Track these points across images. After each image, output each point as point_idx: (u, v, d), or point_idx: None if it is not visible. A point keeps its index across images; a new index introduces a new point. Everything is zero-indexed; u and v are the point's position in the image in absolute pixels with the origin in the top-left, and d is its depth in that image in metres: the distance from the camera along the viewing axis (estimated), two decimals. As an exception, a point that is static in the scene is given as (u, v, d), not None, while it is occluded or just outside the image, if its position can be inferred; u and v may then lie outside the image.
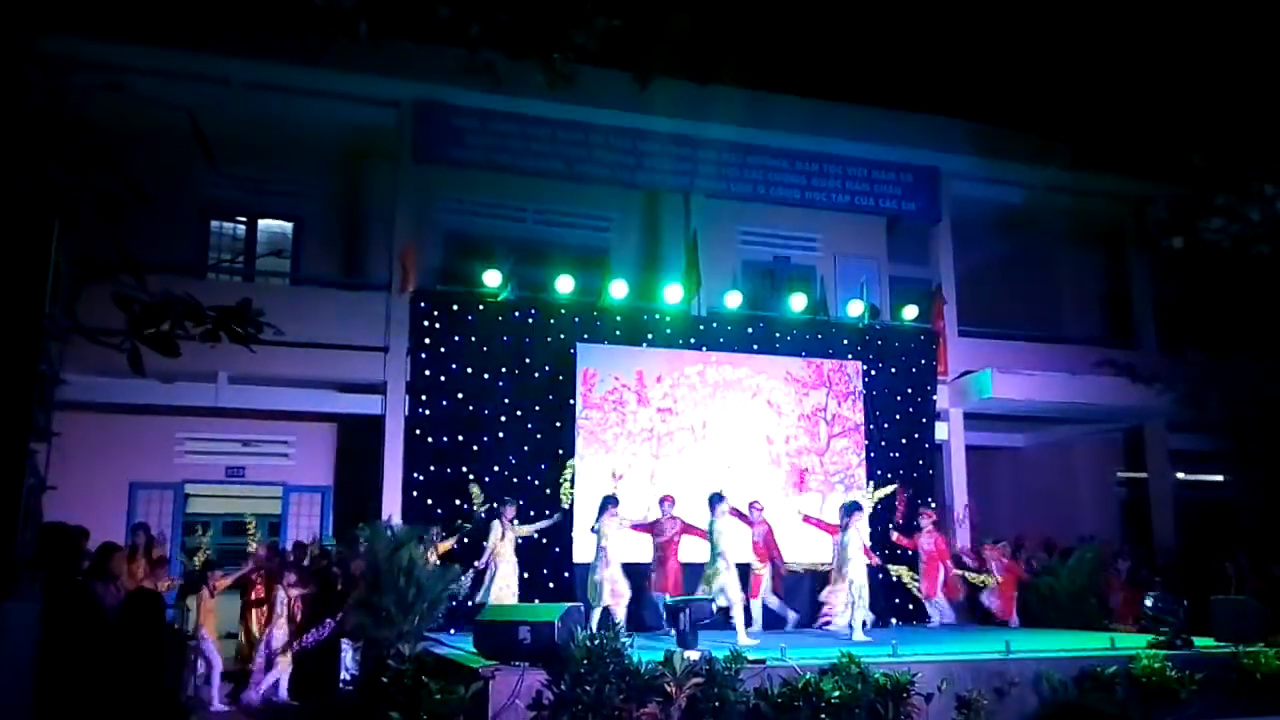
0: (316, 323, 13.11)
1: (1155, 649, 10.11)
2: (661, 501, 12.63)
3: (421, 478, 13.24)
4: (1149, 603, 11.38)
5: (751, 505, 13.01)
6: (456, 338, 13.71)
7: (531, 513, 12.78)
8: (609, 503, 12.11)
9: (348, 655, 10.71)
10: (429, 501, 13.03)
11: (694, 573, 11.96)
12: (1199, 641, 10.64)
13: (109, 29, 12.31)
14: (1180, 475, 18.04)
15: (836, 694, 8.33)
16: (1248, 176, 12.26)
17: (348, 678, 10.61)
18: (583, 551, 12.78)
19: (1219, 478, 19.30)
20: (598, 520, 12.05)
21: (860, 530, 12.24)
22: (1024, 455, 18.85)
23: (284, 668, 11.46)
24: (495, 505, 12.55)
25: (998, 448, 18.36)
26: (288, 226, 15.72)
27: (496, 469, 13.36)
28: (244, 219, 15.52)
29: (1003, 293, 18.79)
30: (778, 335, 15.13)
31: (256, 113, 13.93)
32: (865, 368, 15.29)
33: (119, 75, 12.55)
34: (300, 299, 14.02)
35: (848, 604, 11.88)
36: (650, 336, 14.47)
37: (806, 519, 13.34)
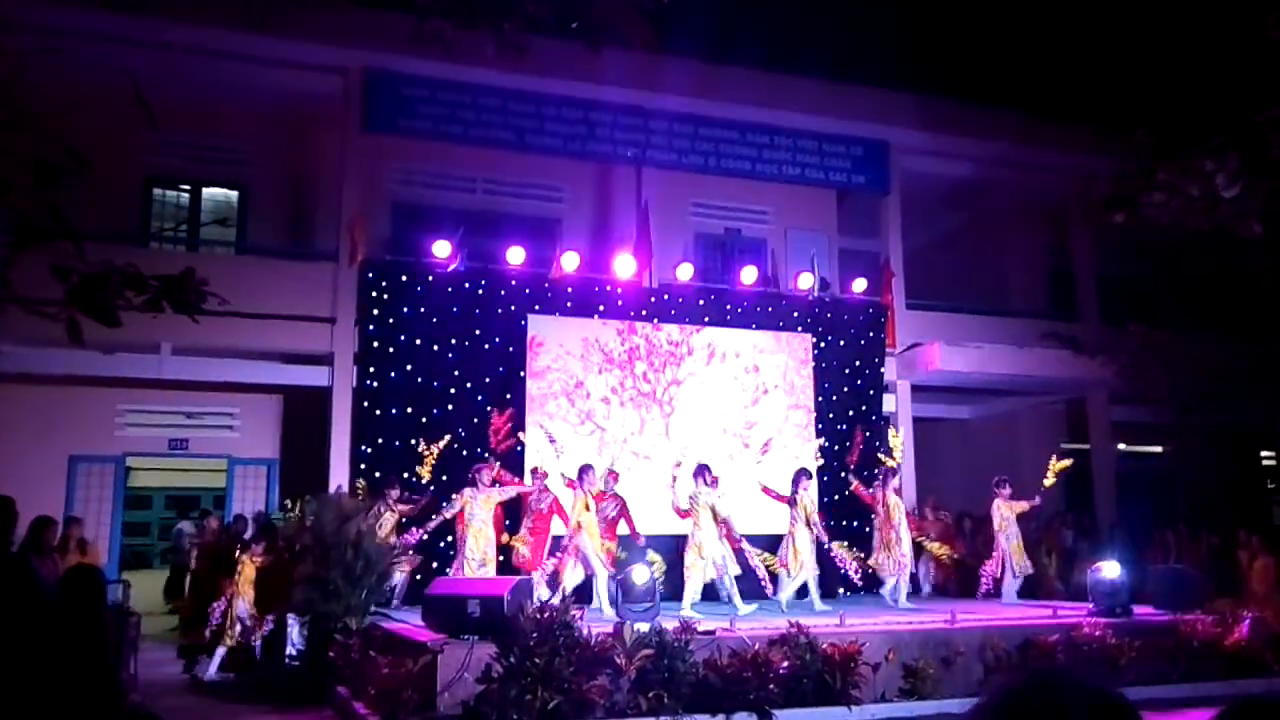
0: (262, 293, 12.90)
1: (1096, 617, 10.33)
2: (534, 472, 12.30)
3: (369, 450, 13.11)
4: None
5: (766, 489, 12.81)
6: (405, 309, 13.56)
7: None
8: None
9: (294, 630, 10.61)
10: (377, 474, 12.89)
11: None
12: (1138, 609, 10.89)
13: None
14: (1121, 446, 18.41)
15: (785, 664, 8.40)
16: (1188, 152, 12.45)
17: (294, 652, 10.51)
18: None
19: (1159, 449, 19.74)
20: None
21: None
22: (970, 427, 19.10)
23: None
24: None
25: (945, 419, 18.60)
26: (233, 195, 15.44)
27: (445, 441, 13.24)
28: (187, 187, 15.21)
29: (950, 266, 18.99)
30: (729, 307, 15.15)
31: (201, 78, 13.67)
32: (815, 340, 15.38)
33: (57, 38, 12.29)
34: (245, 269, 13.79)
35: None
36: (602, 308, 14.42)
37: (765, 490, 12.55)
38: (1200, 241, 13.82)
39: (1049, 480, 12.96)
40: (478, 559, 11.01)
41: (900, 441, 13.36)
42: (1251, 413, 17.48)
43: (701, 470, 11.87)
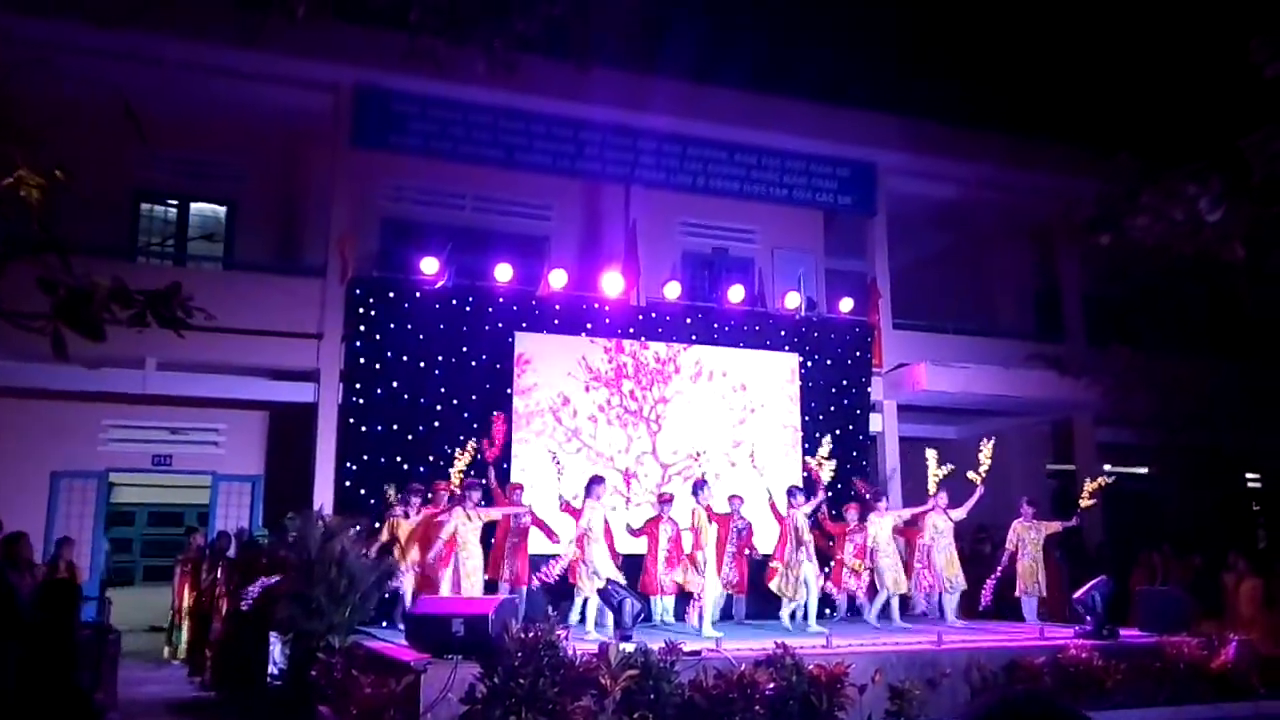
0: (249, 308, 12.86)
1: (1082, 639, 10.32)
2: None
3: (355, 467, 13.04)
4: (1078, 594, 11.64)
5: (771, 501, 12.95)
6: (392, 325, 13.52)
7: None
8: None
9: (276, 648, 10.52)
10: (362, 491, 12.82)
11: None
12: (1124, 631, 10.89)
13: (37, 3, 11.96)
14: (1107, 468, 18.45)
15: (771, 685, 8.37)
16: (1172, 175, 12.56)
17: (275, 671, 10.42)
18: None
19: (1144, 470, 19.79)
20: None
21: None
22: (956, 447, 19.09)
23: None
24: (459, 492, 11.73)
25: (931, 439, 18.59)
26: (221, 210, 15.40)
27: (431, 459, 13.18)
28: (175, 201, 15.16)
29: (936, 287, 19.06)
30: (716, 326, 15.16)
31: (191, 94, 13.67)
32: (801, 359, 15.41)
33: (47, 51, 12.27)
34: (233, 284, 13.74)
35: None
36: (589, 326, 14.41)
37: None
38: (1185, 264, 13.92)
39: (1086, 501, 13.05)
40: (604, 571, 10.98)
41: (988, 454, 13.05)
42: (1236, 435, 17.56)
43: (794, 491, 12.23)
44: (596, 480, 11.48)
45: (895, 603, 12.49)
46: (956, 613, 12.71)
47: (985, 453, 13.00)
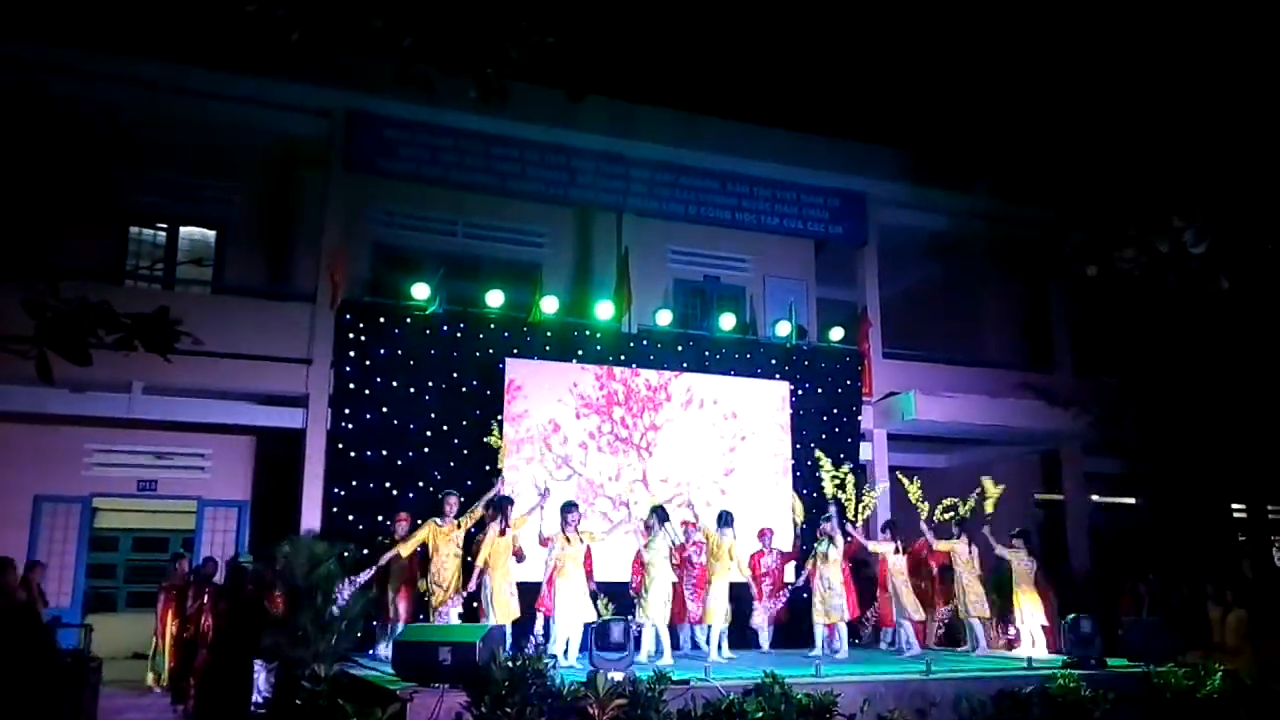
0: (237, 333, 12.84)
1: (1070, 669, 10.30)
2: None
3: (343, 493, 12.97)
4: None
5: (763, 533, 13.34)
6: (382, 350, 13.49)
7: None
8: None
9: (261, 676, 10.42)
10: (350, 518, 12.77)
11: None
12: (1112, 661, 10.88)
13: (28, 26, 11.98)
14: (1095, 497, 18.48)
15: (760, 715, 8.32)
16: (1158, 208, 12.67)
17: (260, 700, 10.32)
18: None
19: (1131, 500, 19.83)
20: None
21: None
22: (946, 476, 19.10)
23: None
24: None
25: (920, 468, 18.59)
26: (210, 234, 15.34)
27: (421, 485, 13.14)
28: (165, 225, 15.11)
29: (926, 316, 19.14)
30: (707, 354, 15.20)
31: (182, 117, 13.66)
32: (792, 387, 15.42)
33: (38, 74, 12.28)
34: (221, 308, 13.67)
35: None
36: (580, 353, 14.42)
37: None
38: (1173, 295, 14.00)
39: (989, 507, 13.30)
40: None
41: (997, 490, 13.47)
42: (1222, 465, 17.60)
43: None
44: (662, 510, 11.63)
45: (910, 631, 12.59)
46: (984, 642, 12.92)
47: (989, 488, 13.38)
